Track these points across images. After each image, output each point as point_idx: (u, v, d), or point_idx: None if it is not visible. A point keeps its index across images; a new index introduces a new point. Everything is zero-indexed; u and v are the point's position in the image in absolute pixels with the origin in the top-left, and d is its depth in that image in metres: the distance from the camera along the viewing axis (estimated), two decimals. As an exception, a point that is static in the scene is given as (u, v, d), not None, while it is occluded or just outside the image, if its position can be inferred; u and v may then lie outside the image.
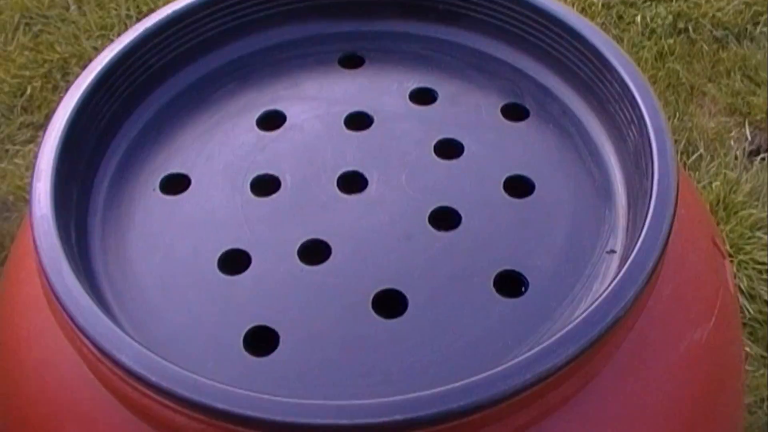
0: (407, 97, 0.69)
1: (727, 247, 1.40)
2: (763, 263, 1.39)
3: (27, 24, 1.83)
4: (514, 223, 0.60)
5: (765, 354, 1.31)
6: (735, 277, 1.37)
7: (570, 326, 0.50)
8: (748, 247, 1.41)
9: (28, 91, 1.66)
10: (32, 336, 0.60)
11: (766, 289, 1.37)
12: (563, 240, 0.59)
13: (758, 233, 1.42)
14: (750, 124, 1.59)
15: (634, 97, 0.61)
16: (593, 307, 0.50)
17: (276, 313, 0.56)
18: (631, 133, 0.61)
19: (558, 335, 0.49)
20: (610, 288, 0.51)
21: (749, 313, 1.35)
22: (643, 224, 0.54)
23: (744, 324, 1.34)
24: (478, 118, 0.67)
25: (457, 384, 0.47)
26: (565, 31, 0.67)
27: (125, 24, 1.78)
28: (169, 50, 0.69)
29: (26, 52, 1.74)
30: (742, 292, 1.36)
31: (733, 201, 1.46)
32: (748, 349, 1.31)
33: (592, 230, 0.59)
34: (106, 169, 0.65)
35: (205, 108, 0.69)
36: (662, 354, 0.58)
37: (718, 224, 1.42)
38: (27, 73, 1.70)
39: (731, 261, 1.39)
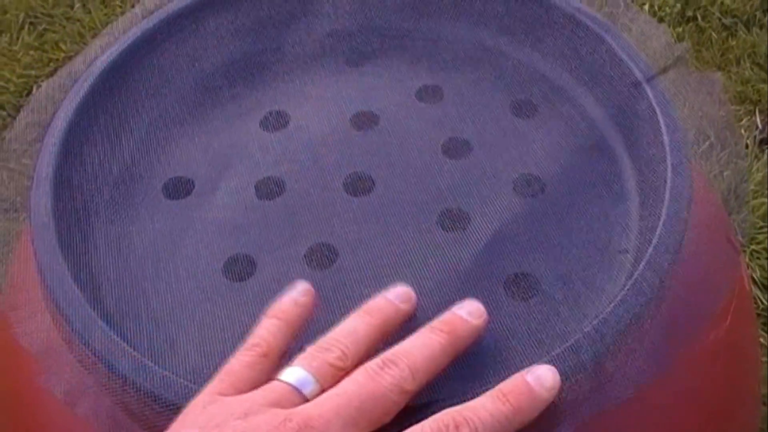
0: (414, 95, 0.67)
1: (740, 237, 1.39)
2: (776, 253, 1.38)
3: (32, 23, 1.82)
4: (524, 223, 0.58)
5: (780, 344, 1.29)
6: (748, 268, 1.36)
7: (583, 331, 0.49)
8: (760, 237, 1.40)
9: (34, 91, 1.66)
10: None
11: (779, 279, 1.36)
12: (574, 240, 0.57)
13: (771, 223, 1.41)
14: (761, 112, 1.58)
15: (646, 93, 0.60)
16: (608, 310, 0.49)
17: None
18: (643, 131, 0.60)
19: (570, 341, 0.48)
20: (623, 290, 0.50)
21: (763, 303, 1.34)
22: (657, 224, 0.53)
23: (758, 315, 1.32)
24: (486, 115, 0.65)
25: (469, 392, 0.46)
26: (574, 25, 0.66)
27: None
28: (171, 50, 0.69)
29: (31, 52, 1.74)
30: (755, 282, 1.35)
31: (744, 190, 1.44)
32: (762, 340, 1.30)
33: (604, 230, 0.58)
34: (109, 173, 0.64)
35: (208, 110, 0.68)
36: (678, 355, 0.57)
37: (729, 214, 1.41)
38: (33, 72, 1.70)
39: (744, 251, 1.37)
